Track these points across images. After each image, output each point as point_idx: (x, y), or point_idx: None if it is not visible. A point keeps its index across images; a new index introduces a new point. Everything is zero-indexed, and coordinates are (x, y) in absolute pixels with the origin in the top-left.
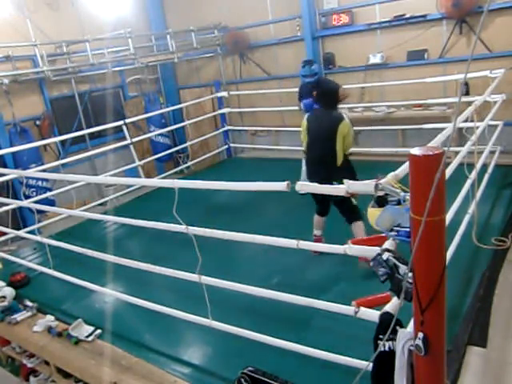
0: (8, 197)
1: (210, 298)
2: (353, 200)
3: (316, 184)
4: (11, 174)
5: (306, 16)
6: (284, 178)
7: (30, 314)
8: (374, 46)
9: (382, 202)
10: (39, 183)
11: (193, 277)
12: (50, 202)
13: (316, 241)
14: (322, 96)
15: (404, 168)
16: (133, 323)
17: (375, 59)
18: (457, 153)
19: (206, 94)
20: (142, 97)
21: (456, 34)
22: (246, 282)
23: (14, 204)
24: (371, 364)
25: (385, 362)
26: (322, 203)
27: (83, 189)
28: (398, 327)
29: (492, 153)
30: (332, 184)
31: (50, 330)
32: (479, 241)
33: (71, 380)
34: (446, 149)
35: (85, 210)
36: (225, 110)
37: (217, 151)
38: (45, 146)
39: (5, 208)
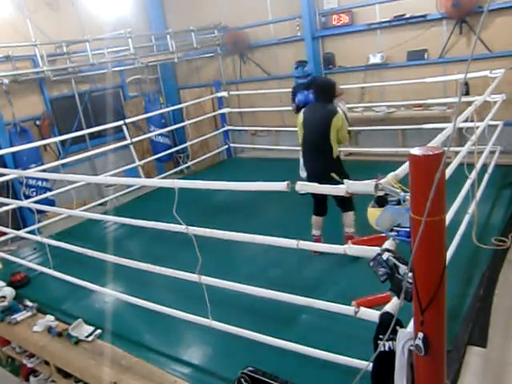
0: (8, 197)
1: (209, 297)
2: None
3: (316, 184)
4: (11, 173)
5: (305, 16)
6: (284, 178)
7: (30, 314)
8: (373, 46)
9: (381, 201)
10: (39, 183)
11: (193, 277)
12: (49, 202)
13: (316, 241)
14: (319, 90)
15: (404, 168)
16: (133, 323)
17: (375, 59)
18: (457, 153)
19: (206, 94)
20: (141, 97)
21: (456, 34)
22: (245, 282)
23: (14, 204)
24: (371, 364)
25: (385, 362)
26: (322, 203)
27: (83, 189)
28: (398, 327)
29: (492, 153)
30: (330, 177)
31: (50, 329)
32: (479, 241)
33: (71, 380)
34: (446, 149)
35: (85, 210)
36: (225, 110)
37: (217, 151)
38: (45, 146)
39: (5, 208)
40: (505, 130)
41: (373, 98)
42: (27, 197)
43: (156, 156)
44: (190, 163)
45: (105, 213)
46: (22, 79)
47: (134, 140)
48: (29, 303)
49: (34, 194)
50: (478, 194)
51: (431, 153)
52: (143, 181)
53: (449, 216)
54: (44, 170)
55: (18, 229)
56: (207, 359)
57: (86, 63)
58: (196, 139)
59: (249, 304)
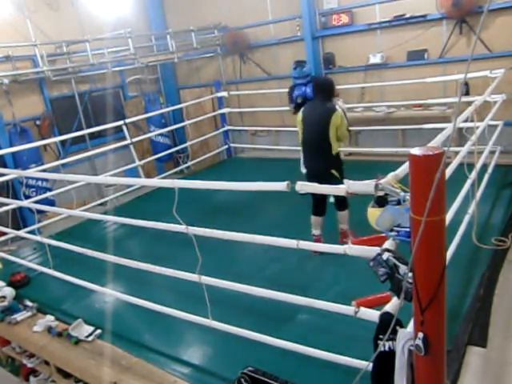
0: (8, 197)
1: (210, 297)
2: None
3: (316, 184)
4: (11, 173)
5: (305, 16)
6: (284, 178)
7: (30, 313)
8: (374, 46)
9: (381, 201)
10: (39, 183)
11: (193, 277)
12: (49, 202)
13: (316, 241)
14: (319, 88)
15: (404, 168)
16: (133, 323)
17: (375, 59)
18: (457, 153)
19: (206, 94)
20: (141, 97)
21: (456, 34)
22: (246, 282)
23: (14, 204)
24: (371, 364)
25: (385, 362)
26: (322, 203)
27: (83, 189)
28: (398, 327)
29: (492, 153)
30: (330, 175)
31: (50, 330)
32: (479, 241)
33: (71, 380)
34: (445, 149)
35: (85, 210)
36: (225, 110)
37: (217, 151)
38: (45, 145)
39: (5, 208)
40: (505, 130)
41: (373, 97)
42: (27, 197)
43: (156, 156)
44: (189, 163)
45: (105, 213)
46: (22, 79)
47: (134, 140)
48: (29, 303)
49: (34, 193)
50: (478, 194)
51: (431, 153)
52: (143, 181)
53: (449, 216)
54: (44, 170)
55: (18, 229)
56: (207, 359)
57: (86, 63)
58: (196, 139)
59: (249, 304)
